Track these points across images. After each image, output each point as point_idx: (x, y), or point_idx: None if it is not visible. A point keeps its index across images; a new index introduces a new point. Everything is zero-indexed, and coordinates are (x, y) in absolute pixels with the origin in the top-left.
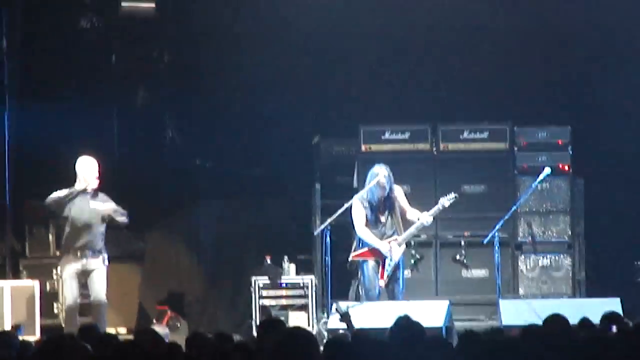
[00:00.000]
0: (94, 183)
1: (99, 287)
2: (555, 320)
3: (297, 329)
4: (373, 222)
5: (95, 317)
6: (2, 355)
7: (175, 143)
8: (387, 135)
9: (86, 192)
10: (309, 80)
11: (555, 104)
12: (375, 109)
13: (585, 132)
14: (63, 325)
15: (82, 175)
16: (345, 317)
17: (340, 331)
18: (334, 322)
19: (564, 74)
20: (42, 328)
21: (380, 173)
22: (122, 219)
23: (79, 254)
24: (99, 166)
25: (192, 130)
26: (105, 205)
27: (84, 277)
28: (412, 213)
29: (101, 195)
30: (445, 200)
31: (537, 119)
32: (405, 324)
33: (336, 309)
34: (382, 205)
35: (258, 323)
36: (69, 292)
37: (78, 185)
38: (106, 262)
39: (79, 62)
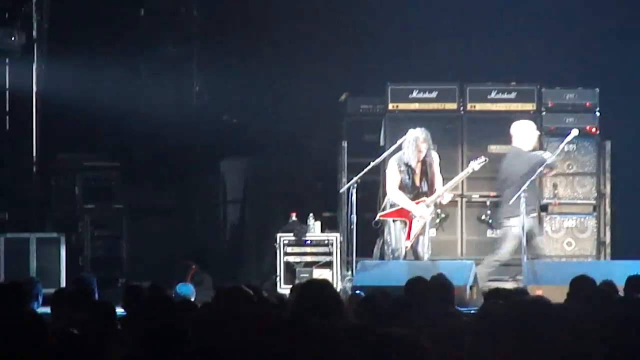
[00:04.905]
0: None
1: None
2: (582, 282)
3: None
4: (409, 186)
5: None
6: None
7: (202, 98)
8: (414, 94)
9: None
10: (338, 37)
11: (584, 65)
12: (403, 67)
13: (613, 94)
14: None
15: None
16: None
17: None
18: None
19: (593, 35)
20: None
21: (419, 137)
22: None
23: None
24: None
25: (220, 85)
26: None
27: None
28: (439, 182)
29: None
30: (475, 164)
31: (565, 80)
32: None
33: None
34: (419, 170)
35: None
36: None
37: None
38: None
39: (108, 15)
